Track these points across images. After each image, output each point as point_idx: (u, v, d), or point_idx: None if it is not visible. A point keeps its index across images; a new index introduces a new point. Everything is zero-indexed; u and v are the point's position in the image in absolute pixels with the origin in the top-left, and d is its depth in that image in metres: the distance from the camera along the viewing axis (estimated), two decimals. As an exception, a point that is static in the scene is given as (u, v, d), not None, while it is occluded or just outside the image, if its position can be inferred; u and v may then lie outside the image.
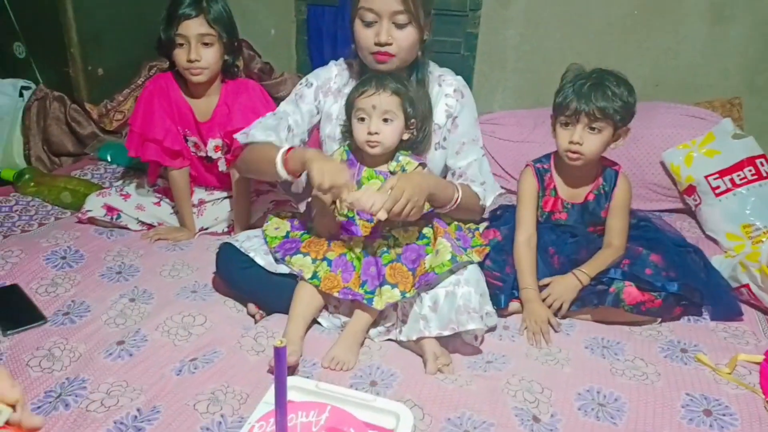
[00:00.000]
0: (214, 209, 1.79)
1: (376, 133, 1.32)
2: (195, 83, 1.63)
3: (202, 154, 1.74)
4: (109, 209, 1.72)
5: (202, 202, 1.80)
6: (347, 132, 1.42)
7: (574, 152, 1.44)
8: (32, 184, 1.89)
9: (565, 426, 1.12)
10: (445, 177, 1.51)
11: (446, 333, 1.26)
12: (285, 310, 1.33)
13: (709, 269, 1.58)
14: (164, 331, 1.30)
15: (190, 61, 1.56)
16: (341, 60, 1.54)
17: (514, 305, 1.47)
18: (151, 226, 1.76)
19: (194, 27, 1.55)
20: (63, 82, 2.29)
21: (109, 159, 2.17)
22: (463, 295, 1.25)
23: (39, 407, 1.08)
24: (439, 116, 1.45)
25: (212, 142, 1.71)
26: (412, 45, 1.35)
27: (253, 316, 1.39)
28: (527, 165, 1.58)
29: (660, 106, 2.12)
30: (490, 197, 1.50)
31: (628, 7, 2.25)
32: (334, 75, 1.51)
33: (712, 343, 1.37)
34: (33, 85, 2.31)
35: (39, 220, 1.77)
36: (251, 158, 1.42)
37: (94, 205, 1.71)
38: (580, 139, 1.42)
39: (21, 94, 2.31)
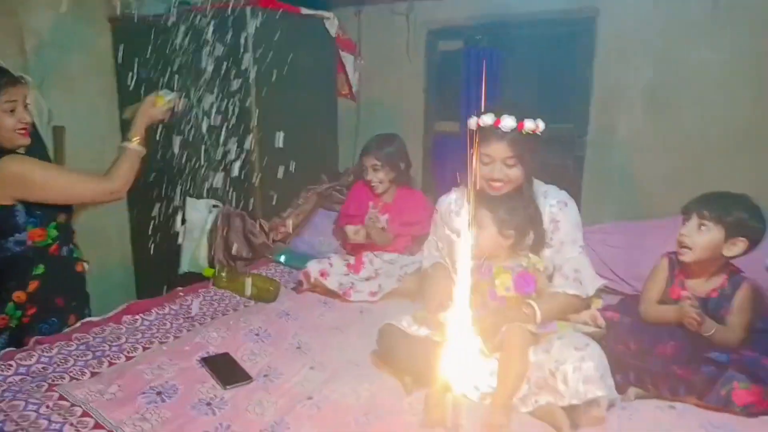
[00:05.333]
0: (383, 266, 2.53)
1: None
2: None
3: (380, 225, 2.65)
4: (322, 273, 2.38)
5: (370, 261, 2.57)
6: None
7: (682, 245, 1.70)
8: (225, 280, 2.40)
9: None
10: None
11: (575, 402, 1.48)
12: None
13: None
14: (340, 394, 1.63)
15: (369, 179, 2.65)
16: (462, 186, 2.03)
17: (633, 390, 1.66)
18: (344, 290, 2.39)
19: (370, 160, 2.65)
20: (244, 203, 2.88)
21: (282, 260, 2.70)
22: (588, 368, 1.49)
23: (257, 441, 1.44)
24: (545, 221, 1.83)
25: (383, 218, 2.66)
26: (519, 177, 1.79)
27: (405, 386, 1.70)
28: (664, 254, 1.85)
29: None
30: (590, 288, 1.79)
31: (724, 133, 2.49)
32: (454, 199, 2.02)
33: (826, 433, 1.48)
34: (221, 205, 2.93)
35: (233, 307, 2.25)
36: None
37: (313, 268, 2.40)
38: (688, 234, 1.69)
39: (210, 211, 2.94)
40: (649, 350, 1.67)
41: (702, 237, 1.69)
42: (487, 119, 1.76)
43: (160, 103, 2.02)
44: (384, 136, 2.73)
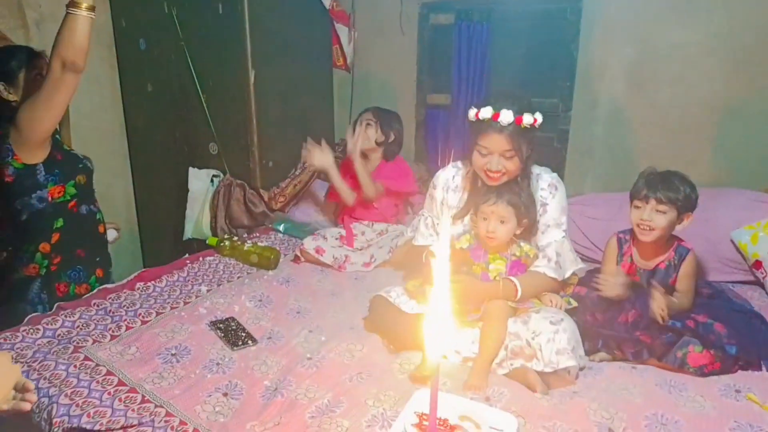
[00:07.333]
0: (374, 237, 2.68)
1: (493, 232, 1.83)
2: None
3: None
4: (317, 250, 2.51)
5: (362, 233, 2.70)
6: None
7: (643, 226, 1.86)
8: (228, 248, 2.56)
9: (633, 436, 1.49)
10: None
11: (548, 370, 1.65)
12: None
13: (770, 331, 1.89)
14: (336, 354, 1.82)
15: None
16: (458, 162, 2.06)
17: (599, 354, 1.84)
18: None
19: (366, 115, 2.75)
20: (243, 172, 3.02)
21: (281, 229, 2.85)
22: (561, 340, 1.65)
23: (263, 395, 1.62)
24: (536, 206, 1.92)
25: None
26: (516, 169, 1.85)
27: (390, 350, 1.86)
28: (613, 234, 2.03)
29: (731, 192, 2.47)
30: (568, 271, 1.91)
31: (700, 109, 2.64)
32: (452, 176, 2.04)
33: (764, 388, 1.65)
34: (221, 174, 3.06)
35: (237, 274, 2.42)
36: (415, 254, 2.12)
37: (310, 245, 2.52)
38: (649, 218, 1.85)
39: (212, 181, 3.07)
40: (613, 318, 1.85)
41: (661, 219, 1.85)
42: (486, 112, 1.78)
43: None
44: (387, 109, 2.84)
